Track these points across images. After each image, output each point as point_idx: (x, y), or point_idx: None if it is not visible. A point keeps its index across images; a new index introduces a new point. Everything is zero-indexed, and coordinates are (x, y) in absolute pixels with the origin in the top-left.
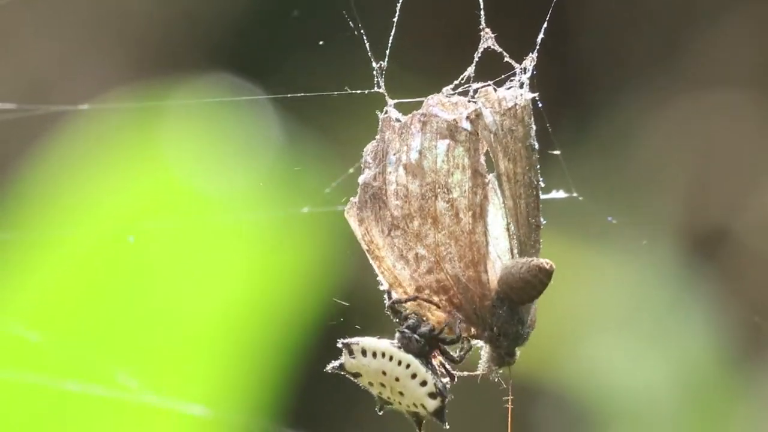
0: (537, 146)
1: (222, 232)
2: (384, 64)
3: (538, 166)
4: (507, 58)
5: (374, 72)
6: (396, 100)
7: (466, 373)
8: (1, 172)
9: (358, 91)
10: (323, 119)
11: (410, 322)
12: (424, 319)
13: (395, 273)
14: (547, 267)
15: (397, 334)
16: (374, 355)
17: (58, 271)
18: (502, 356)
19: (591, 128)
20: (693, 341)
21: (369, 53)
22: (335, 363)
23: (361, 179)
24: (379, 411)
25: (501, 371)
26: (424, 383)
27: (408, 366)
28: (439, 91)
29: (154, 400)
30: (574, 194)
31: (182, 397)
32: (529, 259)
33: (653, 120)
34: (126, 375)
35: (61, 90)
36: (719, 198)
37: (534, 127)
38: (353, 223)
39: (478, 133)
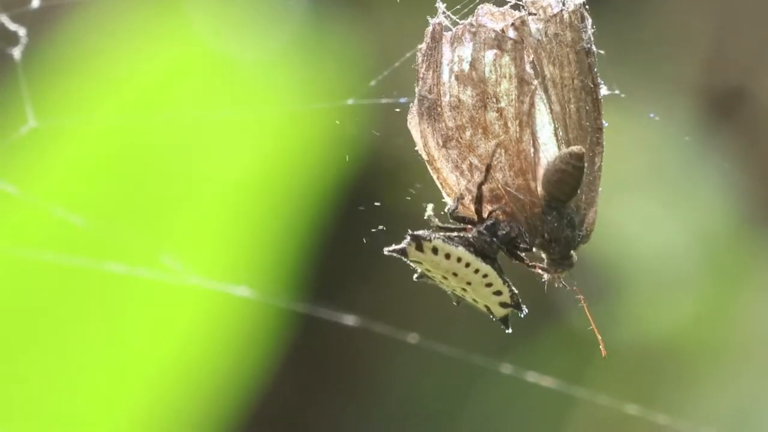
0: (593, 48)
1: (254, 111)
2: None
3: (596, 69)
4: None
5: None
6: None
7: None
8: (28, 57)
9: None
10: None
11: (489, 223)
12: (500, 220)
13: (451, 184)
14: (577, 150)
15: (475, 234)
16: (447, 256)
17: (98, 156)
18: (558, 261)
19: None
20: (710, 204)
21: None
22: (397, 247)
23: (418, 92)
24: (457, 303)
25: (563, 275)
26: (498, 293)
27: (485, 276)
28: None
29: (197, 281)
30: (616, 91)
31: (225, 278)
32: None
33: None
34: (170, 257)
35: None
36: (737, 59)
37: (589, 29)
38: (415, 134)
39: (523, 41)
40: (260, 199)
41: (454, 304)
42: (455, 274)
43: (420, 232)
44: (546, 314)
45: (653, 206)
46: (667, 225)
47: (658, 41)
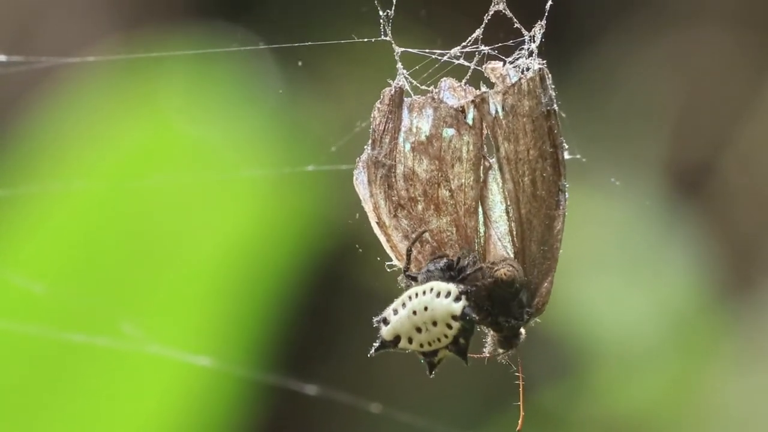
0: (554, 108)
1: (223, 186)
2: (391, 12)
3: (557, 130)
4: (517, 24)
5: (381, 20)
6: (402, 49)
7: (475, 355)
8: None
9: (365, 39)
10: (327, 68)
11: (429, 266)
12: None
13: (401, 252)
14: (505, 278)
15: (420, 276)
16: (403, 305)
17: (62, 224)
18: (507, 339)
19: (574, 67)
20: (677, 278)
21: (375, 1)
22: (376, 344)
23: (372, 155)
24: (431, 374)
25: (509, 352)
26: (447, 294)
27: (431, 289)
28: (447, 48)
29: (159, 350)
30: (577, 156)
31: (186, 347)
32: (494, 266)
33: (637, 58)
34: (131, 326)
35: (51, 40)
36: (703, 134)
37: (550, 90)
38: (362, 191)
39: (482, 121)
40: (224, 270)
41: (429, 374)
42: (415, 313)
43: (380, 314)
44: (513, 389)
45: (620, 281)
46: (634, 300)
47: (624, 115)
